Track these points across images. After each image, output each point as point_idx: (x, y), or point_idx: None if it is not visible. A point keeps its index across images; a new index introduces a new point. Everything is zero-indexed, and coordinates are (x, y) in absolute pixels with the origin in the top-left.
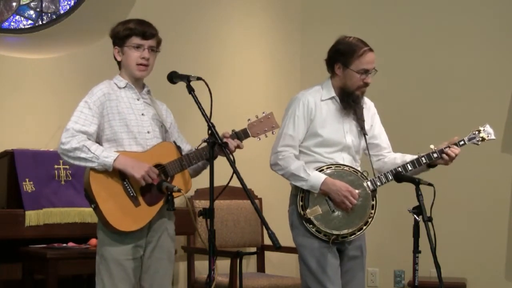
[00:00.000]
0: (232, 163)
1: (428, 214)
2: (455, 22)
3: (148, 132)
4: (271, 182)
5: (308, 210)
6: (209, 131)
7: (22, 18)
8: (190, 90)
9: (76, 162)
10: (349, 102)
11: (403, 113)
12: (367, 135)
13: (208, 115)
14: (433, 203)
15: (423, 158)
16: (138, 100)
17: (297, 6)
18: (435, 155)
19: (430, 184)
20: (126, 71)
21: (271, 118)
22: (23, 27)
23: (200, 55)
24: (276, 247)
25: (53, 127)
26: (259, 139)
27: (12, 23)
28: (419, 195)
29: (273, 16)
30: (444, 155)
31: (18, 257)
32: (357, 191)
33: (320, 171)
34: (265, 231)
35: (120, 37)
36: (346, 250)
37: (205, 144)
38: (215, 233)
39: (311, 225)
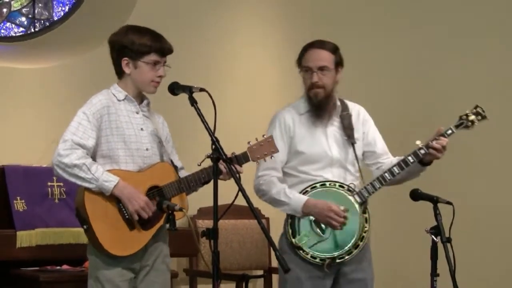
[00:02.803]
0: (238, 181)
1: (447, 235)
2: (461, 26)
3: (147, 149)
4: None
5: (297, 237)
6: (213, 146)
7: (13, 25)
8: (193, 102)
9: (72, 179)
10: (314, 109)
11: (409, 118)
12: (355, 143)
13: (212, 128)
14: (452, 222)
15: (410, 158)
16: (137, 113)
17: (307, 16)
18: (422, 151)
19: (448, 203)
20: (134, 84)
21: (271, 142)
22: (14, 34)
23: (204, 65)
24: (285, 270)
25: (46, 141)
26: (258, 162)
27: (2, 31)
28: (437, 214)
29: (282, 26)
30: (431, 150)
31: (9, 280)
32: (342, 207)
33: (304, 192)
34: (272, 253)
35: (135, 50)
36: (345, 273)
37: (203, 164)
38: (220, 255)
39: (304, 252)
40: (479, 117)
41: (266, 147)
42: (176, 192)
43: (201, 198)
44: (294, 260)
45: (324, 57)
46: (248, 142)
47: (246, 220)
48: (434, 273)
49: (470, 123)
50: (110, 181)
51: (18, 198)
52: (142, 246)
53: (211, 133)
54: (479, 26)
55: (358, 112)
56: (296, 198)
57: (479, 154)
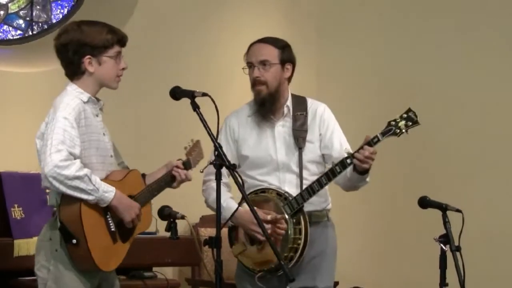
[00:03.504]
0: (242, 188)
1: (456, 243)
2: (473, 35)
3: (111, 156)
4: None
5: (233, 247)
6: (216, 152)
7: (11, 28)
8: (195, 107)
9: (69, 191)
10: (258, 108)
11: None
12: (302, 148)
13: (215, 134)
14: (461, 231)
15: (337, 167)
16: (97, 116)
17: (311, 18)
18: (348, 160)
19: (458, 210)
20: (97, 83)
21: (199, 146)
22: (11, 38)
23: (206, 70)
24: (289, 280)
25: None
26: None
27: None
28: (446, 222)
29: (286, 29)
30: (354, 160)
31: None
32: (269, 217)
33: (241, 200)
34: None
35: (97, 45)
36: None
37: (166, 170)
38: (223, 264)
39: (242, 263)
40: (410, 123)
41: (197, 153)
42: (145, 201)
43: (204, 205)
44: (241, 274)
45: (266, 52)
46: (185, 147)
47: None
48: (443, 283)
49: (398, 130)
50: (109, 192)
51: (16, 205)
52: (122, 258)
53: (214, 139)
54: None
55: (315, 112)
56: (228, 207)
57: (489, 160)
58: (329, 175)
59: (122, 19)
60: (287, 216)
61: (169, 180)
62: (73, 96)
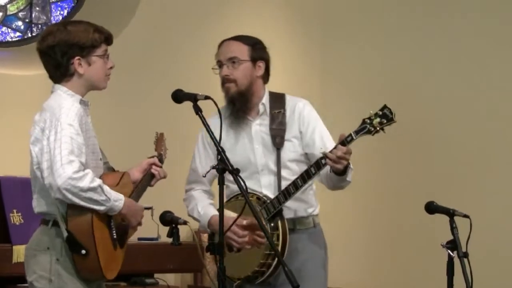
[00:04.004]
0: (245, 193)
1: (464, 249)
2: (484, 35)
3: (101, 159)
4: None
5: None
6: (219, 157)
7: (9, 30)
8: (197, 110)
9: (82, 203)
10: (230, 107)
11: (433, 132)
12: (280, 148)
13: (218, 138)
14: (469, 237)
15: (312, 169)
16: (88, 117)
17: (316, 20)
18: (323, 161)
19: (466, 216)
20: (86, 84)
21: (163, 139)
22: (10, 39)
23: (208, 72)
24: (294, 286)
25: None
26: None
27: None
28: (453, 228)
29: (290, 31)
30: (327, 160)
31: None
32: (244, 222)
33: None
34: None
35: (86, 45)
36: None
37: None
38: (226, 271)
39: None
40: (385, 121)
41: (164, 146)
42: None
43: None
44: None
45: (235, 48)
46: (154, 142)
47: None
48: None
49: (373, 128)
50: (119, 200)
51: (15, 211)
52: (120, 264)
53: (217, 143)
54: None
55: (294, 109)
56: (204, 214)
57: (498, 165)
58: (304, 177)
59: (123, 20)
60: (264, 221)
61: (149, 179)
62: (71, 101)
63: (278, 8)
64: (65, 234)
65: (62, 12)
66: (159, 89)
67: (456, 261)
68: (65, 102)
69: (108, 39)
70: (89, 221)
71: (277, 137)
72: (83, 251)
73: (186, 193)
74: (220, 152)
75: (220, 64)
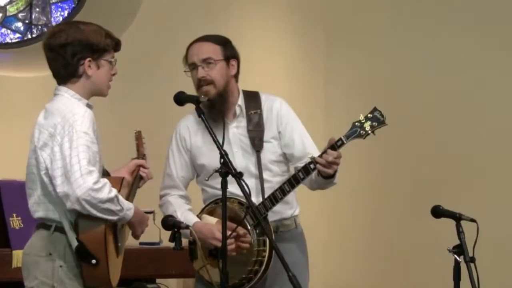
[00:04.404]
0: (249, 198)
1: (471, 254)
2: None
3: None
4: None
5: (195, 263)
6: (221, 160)
7: (9, 31)
8: (200, 112)
9: (99, 214)
10: (208, 111)
11: (439, 136)
12: (259, 150)
13: (220, 141)
14: (476, 241)
15: (300, 174)
16: None
17: (321, 23)
18: (312, 166)
19: (472, 220)
20: (92, 88)
21: (141, 137)
22: (9, 41)
23: None
24: None
25: None
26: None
27: None
28: (460, 232)
29: (295, 34)
30: (317, 165)
31: None
32: (229, 232)
33: (202, 210)
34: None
35: (98, 47)
36: None
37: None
38: (211, 278)
39: (206, 278)
40: (375, 124)
41: (143, 144)
42: None
43: None
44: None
45: (208, 49)
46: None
47: None
48: None
49: (363, 132)
50: (130, 209)
51: (14, 215)
52: (120, 271)
53: (220, 146)
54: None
55: (271, 108)
56: (186, 220)
57: (505, 168)
58: (292, 182)
59: (125, 21)
60: (250, 227)
61: (138, 181)
62: (81, 105)
63: (282, 15)
64: (75, 243)
65: (62, 13)
66: (161, 91)
67: (463, 266)
68: (76, 107)
69: (117, 45)
70: (102, 232)
71: (256, 139)
72: (94, 261)
73: (162, 198)
74: (223, 156)
75: (193, 66)
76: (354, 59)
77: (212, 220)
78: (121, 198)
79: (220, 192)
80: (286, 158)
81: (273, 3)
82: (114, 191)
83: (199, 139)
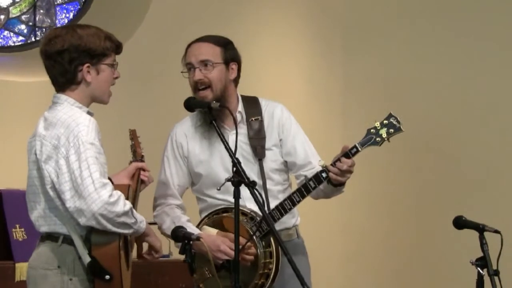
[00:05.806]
0: (262, 207)
1: (495, 267)
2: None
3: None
4: (307, 227)
5: (195, 276)
6: (234, 168)
7: (12, 34)
8: (212, 119)
9: (114, 228)
10: (204, 117)
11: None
12: (262, 159)
13: (233, 149)
14: (500, 253)
15: (311, 182)
16: None
17: (337, 26)
18: (324, 174)
19: (496, 231)
20: (92, 94)
21: (136, 135)
22: (12, 44)
23: None
24: None
25: None
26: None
27: (0, 40)
28: (483, 244)
29: (311, 36)
30: (330, 174)
31: None
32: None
33: (201, 221)
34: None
35: (98, 53)
36: None
37: None
38: None
39: None
40: (392, 130)
41: (139, 144)
42: None
43: None
44: None
45: (207, 50)
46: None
47: None
48: None
49: (379, 139)
50: (142, 221)
51: (17, 226)
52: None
53: (232, 154)
54: None
55: (272, 115)
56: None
57: None
58: (302, 192)
59: (132, 23)
60: (256, 239)
61: (139, 186)
62: (84, 113)
63: (299, 18)
64: (87, 259)
65: (67, 15)
66: (170, 94)
67: (486, 280)
68: (79, 116)
69: (118, 48)
70: (116, 247)
71: (258, 147)
72: (107, 277)
73: (156, 208)
74: (236, 164)
75: (190, 67)
76: (372, 64)
77: (213, 232)
78: (134, 210)
79: (220, 202)
80: (286, 166)
81: (290, 8)
82: (128, 204)
83: (197, 145)
